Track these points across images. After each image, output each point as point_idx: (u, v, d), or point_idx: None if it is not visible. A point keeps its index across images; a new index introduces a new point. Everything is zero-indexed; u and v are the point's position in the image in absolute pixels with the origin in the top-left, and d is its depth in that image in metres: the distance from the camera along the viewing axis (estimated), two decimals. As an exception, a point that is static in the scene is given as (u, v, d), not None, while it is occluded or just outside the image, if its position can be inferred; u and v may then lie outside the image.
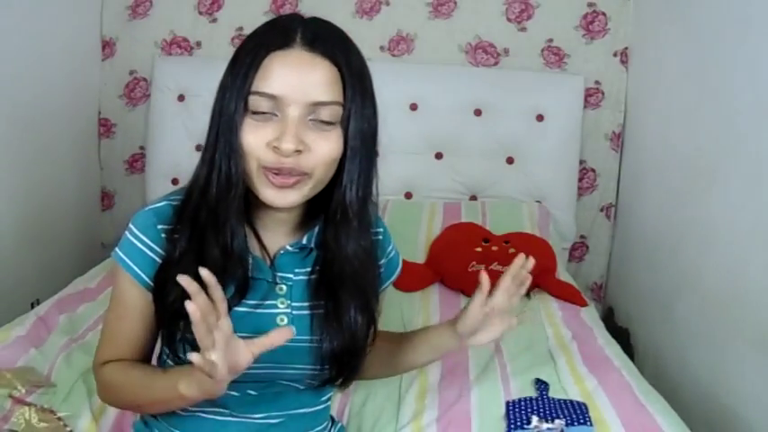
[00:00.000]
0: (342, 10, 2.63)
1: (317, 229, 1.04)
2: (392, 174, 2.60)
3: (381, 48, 2.67)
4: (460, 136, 2.59)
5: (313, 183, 0.95)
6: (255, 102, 0.92)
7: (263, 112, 0.92)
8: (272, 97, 0.91)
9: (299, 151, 0.91)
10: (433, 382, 1.55)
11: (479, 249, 2.20)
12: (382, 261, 1.12)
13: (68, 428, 1.26)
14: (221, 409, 1.04)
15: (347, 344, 1.02)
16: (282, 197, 0.94)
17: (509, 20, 2.63)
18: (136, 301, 1.01)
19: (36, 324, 1.67)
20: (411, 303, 2.02)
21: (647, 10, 2.51)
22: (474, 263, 2.16)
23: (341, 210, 1.00)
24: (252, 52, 0.93)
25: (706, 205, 1.93)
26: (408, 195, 2.64)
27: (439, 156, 2.63)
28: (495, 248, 2.20)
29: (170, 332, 0.99)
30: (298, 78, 0.92)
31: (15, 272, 2.13)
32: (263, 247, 1.02)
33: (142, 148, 2.71)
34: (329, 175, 0.97)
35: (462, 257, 2.18)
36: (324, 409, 1.14)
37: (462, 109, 2.59)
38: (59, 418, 1.27)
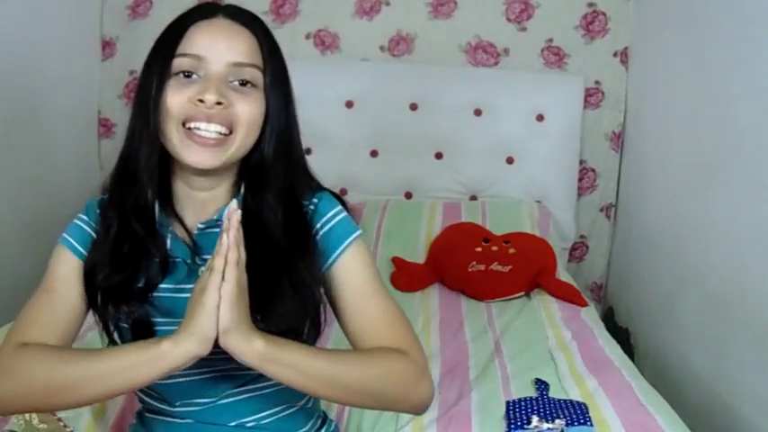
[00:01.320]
0: (342, 10, 2.64)
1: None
2: (392, 174, 2.61)
3: (381, 48, 2.67)
4: (460, 136, 2.59)
5: (235, 144, 0.97)
6: (180, 63, 0.96)
7: (188, 75, 0.96)
8: (195, 57, 0.96)
9: (221, 104, 0.94)
10: (433, 383, 1.55)
11: (479, 249, 2.20)
12: (317, 229, 1.02)
13: (68, 429, 1.26)
14: (188, 420, 1.04)
15: (289, 323, 0.95)
16: (203, 156, 0.95)
17: (509, 20, 2.63)
18: (68, 273, 1.01)
19: (36, 324, 1.66)
20: (411, 303, 2.02)
21: (647, 10, 2.51)
22: (474, 263, 2.16)
23: (258, 168, 1.01)
24: (175, 26, 1.00)
25: (706, 205, 1.93)
26: (408, 195, 2.64)
27: (439, 156, 2.62)
28: (495, 248, 2.20)
29: (102, 317, 1.00)
30: (220, 41, 0.97)
31: (15, 272, 2.13)
32: (184, 228, 1.02)
33: (142, 148, 2.71)
34: (251, 140, 0.99)
35: (462, 257, 2.18)
36: (300, 410, 1.10)
37: (462, 109, 2.59)
38: (59, 419, 1.27)
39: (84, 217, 1.05)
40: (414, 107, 2.61)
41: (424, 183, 2.62)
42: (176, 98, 0.96)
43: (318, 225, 1.03)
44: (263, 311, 0.94)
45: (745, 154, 1.75)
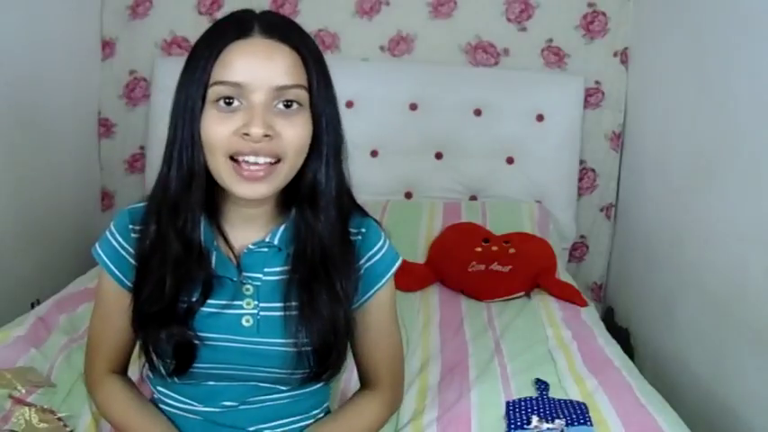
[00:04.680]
0: (342, 10, 2.64)
1: (282, 227, 1.02)
2: (392, 174, 2.61)
3: (381, 48, 2.67)
4: (460, 136, 2.59)
5: (285, 170, 0.95)
6: (219, 91, 0.92)
7: (228, 103, 0.92)
8: (235, 85, 0.91)
9: (268, 136, 0.91)
10: (433, 382, 1.55)
11: (479, 249, 2.20)
12: (362, 263, 1.06)
13: (68, 428, 1.26)
14: (206, 420, 1.05)
15: (325, 340, 0.99)
16: (253, 189, 0.93)
17: (509, 20, 2.63)
18: (114, 300, 1.03)
19: (36, 324, 1.66)
20: (411, 303, 2.02)
21: (647, 10, 2.51)
22: (474, 263, 2.16)
23: (310, 190, 0.99)
24: (210, 45, 0.94)
25: (706, 205, 1.93)
26: (408, 195, 2.64)
27: (439, 156, 2.62)
28: (495, 248, 2.20)
29: (143, 340, 1.00)
30: (260, 65, 0.92)
31: (15, 272, 2.13)
32: (230, 246, 1.01)
33: (142, 148, 2.71)
34: (300, 162, 0.96)
35: (462, 257, 2.18)
36: (315, 421, 1.12)
37: (462, 109, 2.59)
38: (59, 419, 1.27)
39: (119, 237, 1.03)
40: (414, 107, 2.61)
41: (424, 183, 2.62)
42: (220, 130, 0.91)
43: (365, 258, 1.06)
44: (305, 326, 0.99)
45: (744, 154, 1.75)
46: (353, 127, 2.75)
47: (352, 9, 2.64)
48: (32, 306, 1.89)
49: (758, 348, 1.62)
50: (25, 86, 2.16)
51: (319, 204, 1.00)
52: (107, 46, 2.65)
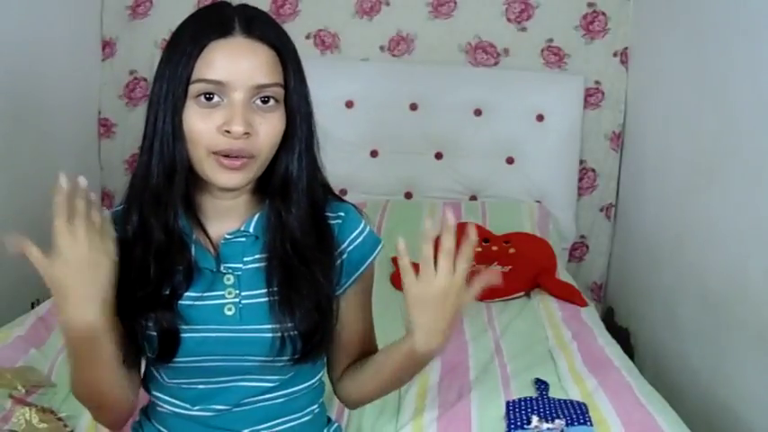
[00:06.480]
0: (342, 10, 2.64)
1: (256, 216, 1.04)
2: (392, 174, 2.61)
3: (381, 48, 2.67)
4: (460, 136, 2.59)
5: (258, 164, 0.98)
6: (201, 88, 0.95)
7: (209, 99, 0.95)
8: (217, 83, 0.94)
9: (247, 134, 0.94)
10: (433, 382, 1.55)
11: (479, 249, 2.20)
12: (344, 247, 1.07)
13: (68, 428, 1.26)
14: (202, 423, 1.05)
15: (310, 322, 1.01)
16: (231, 178, 0.97)
17: (509, 20, 2.64)
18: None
19: (36, 324, 1.67)
20: (411, 303, 2.02)
21: (647, 10, 2.51)
22: (474, 263, 2.16)
23: (282, 183, 1.03)
24: (192, 41, 0.96)
25: (706, 205, 1.93)
26: (408, 195, 2.64)
27: (439, 156, 2.63)
28: (495, 248, 2.20)
29: (130, 328, 1.00)
30: (240, 64, 0.95)
31: (15, 272, 2.13)
32: (207, 237, 1.03)
33: (142, 148, 2.71)
34: (271, 155, 1.00)
35: (462, 257, 2.18)
36: (312, 418, 1.12)
37: (462, 109, 2.59)
38: (59, 419, 1.27)
39: None
40: (414, 107, 2.61)
41: (424, 183, 2.62)
42: (202, 126, 0.95)
43: (347, 242, 1.07)
44: (289, 310, 1.01)
45: (745, 154, 1.75)
46: (353, 127, 2.78)
47: (352, 9, 2.64)
48: (32, 306, 1.89)
49: (758, 348, 1.62)
50: (25, 86, 2.16)
51: (291, 197, 1.03)
52: (107, 46, 2.65)
